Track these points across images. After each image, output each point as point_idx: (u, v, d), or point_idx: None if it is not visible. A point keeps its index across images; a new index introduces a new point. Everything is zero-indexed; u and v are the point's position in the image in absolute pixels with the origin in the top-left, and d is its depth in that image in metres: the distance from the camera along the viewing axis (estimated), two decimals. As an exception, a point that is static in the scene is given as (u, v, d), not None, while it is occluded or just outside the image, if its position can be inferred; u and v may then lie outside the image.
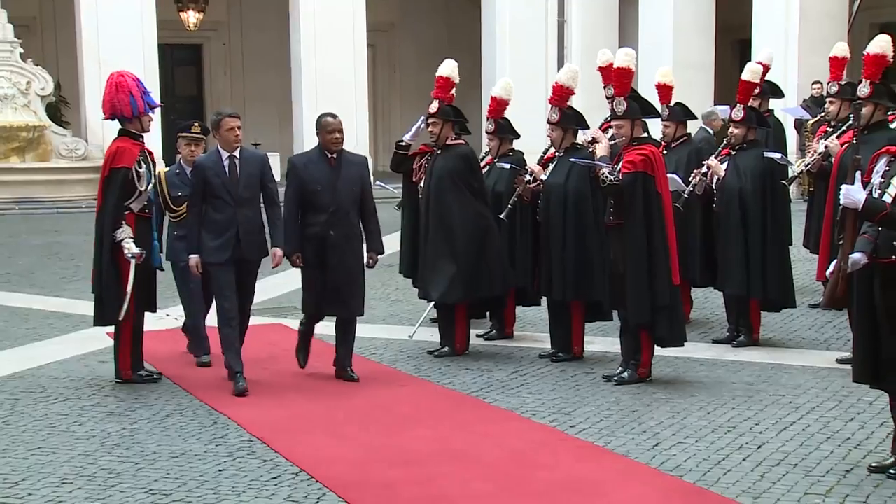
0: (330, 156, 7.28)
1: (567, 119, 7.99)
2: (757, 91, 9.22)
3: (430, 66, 8.86)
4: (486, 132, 8.80)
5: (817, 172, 8.68)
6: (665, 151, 8.68)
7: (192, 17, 24.69)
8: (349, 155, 7.40)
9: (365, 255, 7.46)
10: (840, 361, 7.58)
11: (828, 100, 9.16)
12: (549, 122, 8.04)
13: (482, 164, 8.64)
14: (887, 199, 5.18)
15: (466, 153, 8.09)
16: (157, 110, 7.52)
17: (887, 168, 5.31)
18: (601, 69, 9.31)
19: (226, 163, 7.15)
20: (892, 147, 5.39)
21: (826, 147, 8.56)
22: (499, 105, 8.71)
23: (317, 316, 7.59)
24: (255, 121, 23.24)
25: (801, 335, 8.76)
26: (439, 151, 8.12)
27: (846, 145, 7.61)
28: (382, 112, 26.70)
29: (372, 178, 7.82)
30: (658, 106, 8.45)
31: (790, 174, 9.04)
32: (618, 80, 7.55)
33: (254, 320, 7.79)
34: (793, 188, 8.93)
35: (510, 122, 8.75)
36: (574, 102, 8.21)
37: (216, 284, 7.20)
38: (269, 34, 24.80)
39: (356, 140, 21.38)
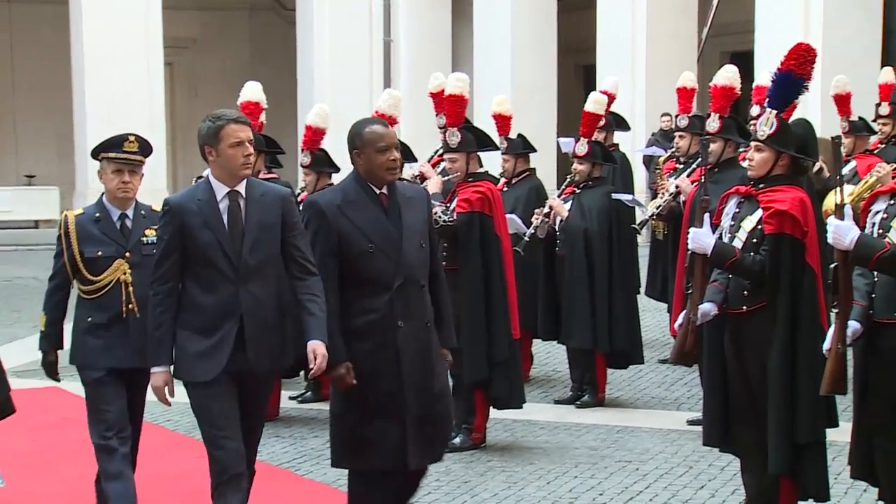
0: (379, 192, 5.16)
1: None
2: (602, 123, 9.53)
3: (237, 87, 8.81)
4: (302, 165, 8.80)
5: (667, 214, 9.00)
6: (504, 189, 8.87)
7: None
8: (404, 188, 5.31)
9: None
10: (691, 423, 7.85)
11: (677, 134, 9.50)
12: None
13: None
14: (737, 243, 5.43)
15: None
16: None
17: (737, 210, 5.57)
18: (433, 95, 9.46)
19: (223, 205, 5.02)
20: (741, 187, 5.66)
21: (677, 186, 8.89)
22: (314, 135, 8.74)
23: (395, 474, 5.22)
24: (29, 150, 22.57)
25: (649, 394, 9.04)
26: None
27: (697, 184, 7.92)
28: (182, 140, 26.35)
29: None
30: (496, 138, 8.63)
31: (642, 216, 9.32)
32: (450, 108, 7.69)
33: (18, 383, 7.48)
34: (644, 232, 9.21)
35: (328, 153, 8.77)
36: (401, 131, 8.32)
37: (204, 418, 5.05)
38: (45, 48, 24.20)
39: (152, 174, 21.02)
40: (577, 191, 8.55)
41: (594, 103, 8.83)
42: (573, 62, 24.46)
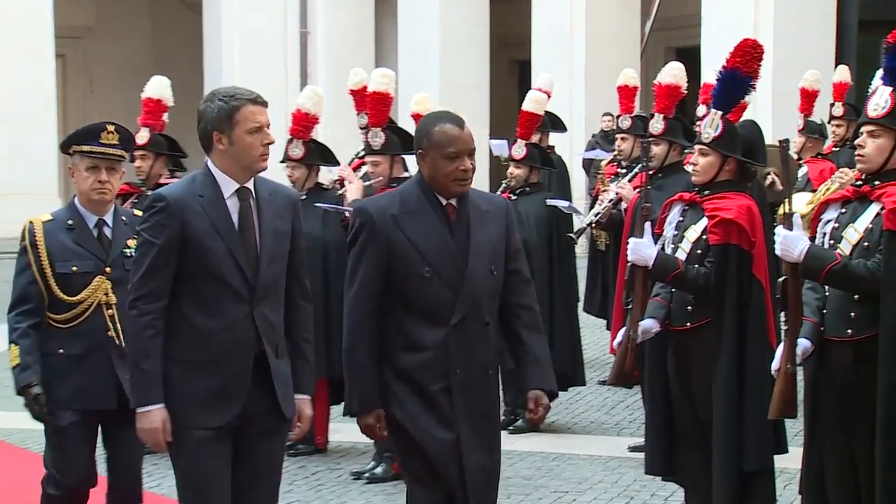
0: (447, 202, 4.65)
1: (311, 154, 8.05)
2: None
3: (137, 82, 8.78)
4: (290, 158, 8.53)
5: (607, 223, 9.09)
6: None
7: None
8: (480, 198, 4.77)
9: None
10: (632, 449, 7.93)
11: (618, 136, 9.58)
12: (289, 158, 8.03)
13: None
14: (681, 255, 5.52)
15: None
16: None
17: (681, 218, 5.66)
18: (353, 92, 9.47)
19: (232, 204, 4.48)
20: (685, 194, 5.75)
21: (617, 192, 8.97)
22: (307, 121, 8.60)
23: None
24: None
25: (588, 418, 9.12)
26: (149, 194, 7.99)
27: (639, 190, 8.02)
28: (75, 139, 26.08)
29: None
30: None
31: (579, 224, 9.39)
32: (373, 106, 7.71)
33: None
34: (582, 241, 9.30)
35: (323, 144, 8.63)
36: (318, 132, 8.30)
37: (191, 485, 4.44)
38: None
39: (43, 178, 20.77)
40: (514, 197, 8.58)
41: (533, 102, 8.87)
42: (507, 57, 24.59)
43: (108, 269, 5.11)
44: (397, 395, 4.53)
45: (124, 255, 5.12)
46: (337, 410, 8.17)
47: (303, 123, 8.00)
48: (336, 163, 8.39)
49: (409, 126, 8.69)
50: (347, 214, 7.34)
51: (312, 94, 8.33)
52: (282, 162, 7.91)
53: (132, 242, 4.98)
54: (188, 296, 4.40)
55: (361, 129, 8.94)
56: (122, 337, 4.99)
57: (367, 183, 7.78)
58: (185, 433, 4.37)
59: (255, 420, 4.44)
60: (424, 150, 4.59)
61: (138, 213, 5.08)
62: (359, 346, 4.55)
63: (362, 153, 8.62)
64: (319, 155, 8.11)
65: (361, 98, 9.13)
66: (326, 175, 8.45)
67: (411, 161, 8.07)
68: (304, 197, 8.02)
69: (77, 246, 5.09)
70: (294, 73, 22.22)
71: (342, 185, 7.99)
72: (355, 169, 8.64)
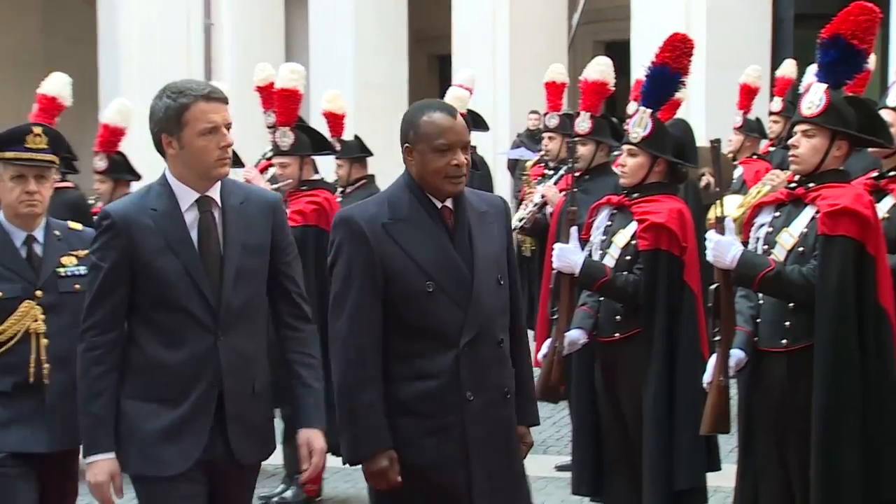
0: (442, 205, 4.28)
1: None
2: (458, 122, 9.61)
3: (26, 78, 8.68)
4: (95, 171, 8.68)
5: (531, 227, 9.12)
6: (339, 198, 8.88)
7: None
8: (475, 198, 4.40)
9: None
10: (559, 468, 7.95)
11: (545, 135, 9.63)
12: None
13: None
14: (609, 261, 5.54)
15: (75, 201, 7.95)
16: None
17: (609, 223, 5.68)
18: (260, 89, 9.42)
19: (191, 218, 4.17)
20: (613, 197, 5.78)
21: (543, 196, 9.00)
22: (112, 135, 8.67)
23: None
24: None
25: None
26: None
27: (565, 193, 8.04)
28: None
29: None
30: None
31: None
32: (282, 104, 7.67)
33: None
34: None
35: (126, 157, 8.67)
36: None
37: None
38: None
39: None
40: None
41: (455, 100, 8.95)
42: (426, 53, 24.61)
43: (38, 293, 4.68)
44: (400, 433, 4.13)
45: (58, 275, 4.73)
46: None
47: None
48: (240, 164, 8.34)
49: (321, 125, 8.69)
50: None
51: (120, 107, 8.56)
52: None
53: (68, 260, 4.76)
54: (144, 325, 4.12)
55: (269, 128, 8.89)
56: (51, 371, 4.64)
57: (275, 186, 7.74)
58: (146, 481, 4.10)
59: (217, 467, 4.15)
60: (411, 143, 4.20)
61: (75, 226, 4.88)
62: (363, 385, 4.10)
63: (270, 154, 8.58)
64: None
65: (268, 95, 9.08)
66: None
67: (325, 163, 8.07)
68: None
69: (1, 267, 4.67)
70: (198, 67, 22.04)
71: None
72: (262, 171, 8.60)
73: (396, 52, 20.86)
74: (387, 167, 9.70)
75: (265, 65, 9.67)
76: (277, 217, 4.30)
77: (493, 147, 15.94)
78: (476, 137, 11.28)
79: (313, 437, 4.26)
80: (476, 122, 11.00)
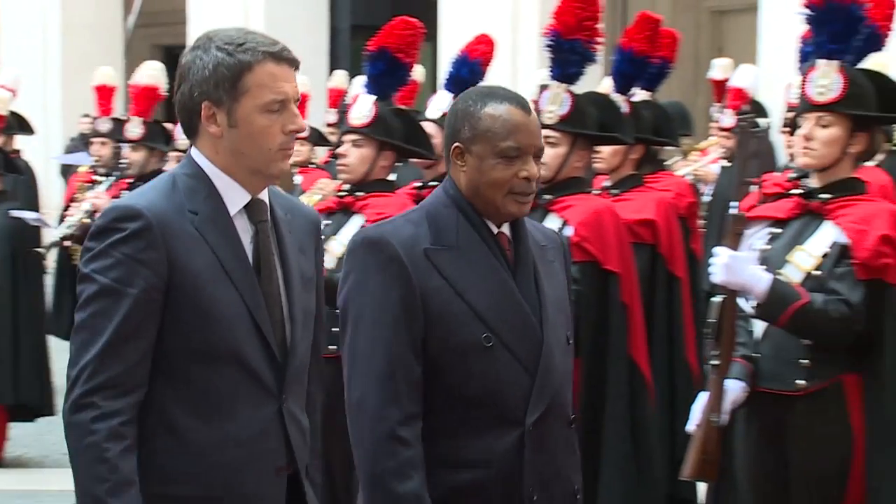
0: (498, 230, 3.22)
1: None
2: (-1, 126, 9.33)
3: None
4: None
5: (81, 236, 8.93)
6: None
7: None
8: (534, 228, 3.34)
9: None
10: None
11: (97, 141, 9.59)
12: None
13: None
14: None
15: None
16: None
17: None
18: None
19: (241, 226, 3.01)
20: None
21: (93, 204, 8.83)
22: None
23: None
24: None
25: (60, 449, 8.84)
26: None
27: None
28: None
29: None
30: None
31: (52, 238, 9.19)
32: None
33: None
34: (52, 257, 9.10)
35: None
36: None
37: None
38: None
39: None
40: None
41: (-3, 101, 8.77)
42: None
43: None
44: None
45: None
46: None
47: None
48: None
49: None
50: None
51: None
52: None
53: None
54: (172, 385, 2.89)
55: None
56: None
57: None
58: None
59: None
60: (465, 143, 3.16)
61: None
62: (403, 472, 3.02)
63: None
64: None
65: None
66: None
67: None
68: None
69: None
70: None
71: None
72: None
73: None
74: None
75: None
76: (319, 240, 3.24)
77: (46, 150, 15.53)
78: (22, 141, 10.96)
79: None
80: (21, 124, 10.69)
